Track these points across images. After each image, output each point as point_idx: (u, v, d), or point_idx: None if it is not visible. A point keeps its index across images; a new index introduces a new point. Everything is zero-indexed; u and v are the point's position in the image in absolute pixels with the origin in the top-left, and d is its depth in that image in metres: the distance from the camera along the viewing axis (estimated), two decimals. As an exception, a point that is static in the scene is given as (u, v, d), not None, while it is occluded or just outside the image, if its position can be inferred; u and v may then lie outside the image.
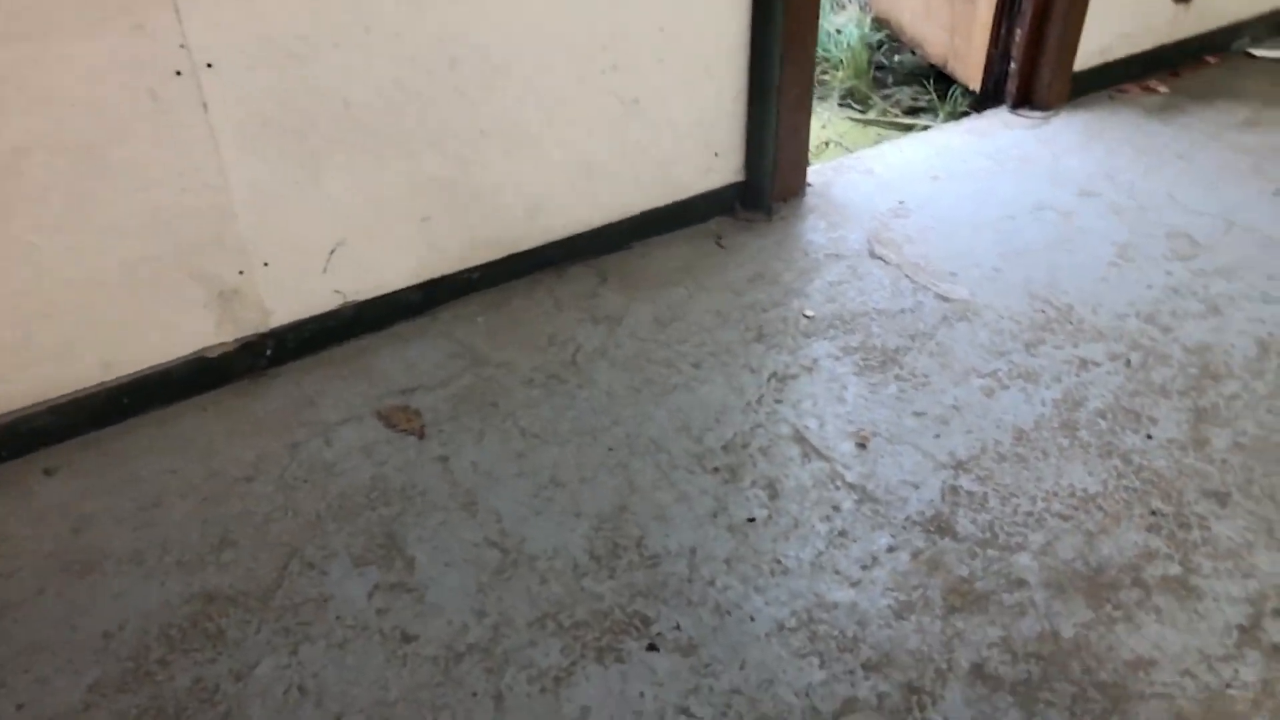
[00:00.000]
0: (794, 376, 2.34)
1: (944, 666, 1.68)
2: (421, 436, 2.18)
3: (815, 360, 2.39)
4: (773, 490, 2.03)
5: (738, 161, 2.91)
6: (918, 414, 2.23)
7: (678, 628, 1.76)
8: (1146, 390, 2.28)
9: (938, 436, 2.16)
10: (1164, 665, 1.67)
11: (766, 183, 2.94)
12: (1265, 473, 2.04)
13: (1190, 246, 2.81)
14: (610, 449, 2.14)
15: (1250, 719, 1.59)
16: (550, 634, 1.75)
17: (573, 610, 1.79)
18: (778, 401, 2.27)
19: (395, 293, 2.49)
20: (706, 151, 2.83)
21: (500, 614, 1.79)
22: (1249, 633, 1.72)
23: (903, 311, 2.56)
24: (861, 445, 2.15)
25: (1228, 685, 1.64)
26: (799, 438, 2.16)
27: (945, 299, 2.61)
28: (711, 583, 1.84)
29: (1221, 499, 1.99)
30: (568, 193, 2.63)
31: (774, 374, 2.35)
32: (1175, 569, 1.84)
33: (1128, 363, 2.36)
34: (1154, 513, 1.96)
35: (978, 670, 1.68)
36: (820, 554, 1.89)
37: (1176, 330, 2.47)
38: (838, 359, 2.40)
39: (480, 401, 2.27)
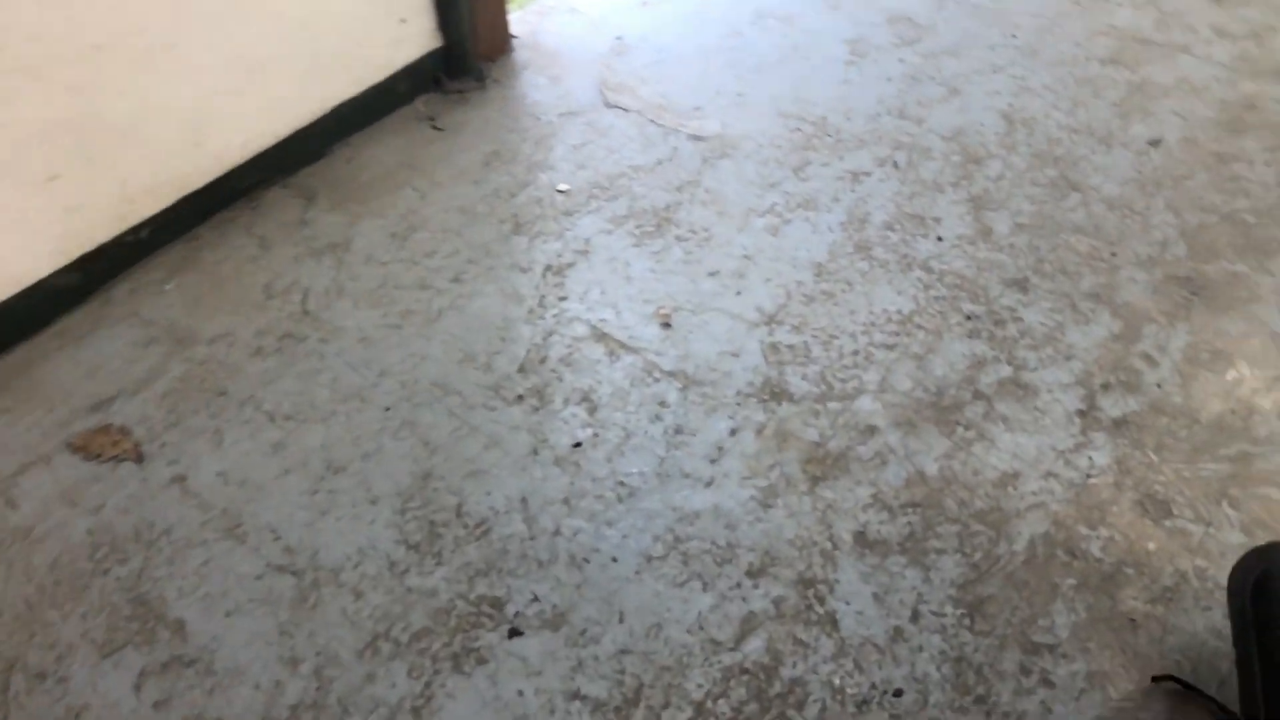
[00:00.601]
0: (570, 265, 2.04)
1: (828, 547, 1.54)
2: (139, 459, 1.70)
3: (587, 241, 2.10)
4: (590, 403, 1.76)
5: (430, 23, 2.45)
6: (711, 274, 2.02)
7: (536, 599, 1.49)
8: (921, 189, 2.20)
9: (739, 294, 1.97)
10: (1027, 474, 1.63)
11: (468, 42, 2.52)
12: (1049, 247, 2.04)
13: (913, 29, 2.74)
14: (387, 409, 1.77)
15: (1118, 501, 1.58)
16: (388, 658, 1.43)
17: (406, 620, 1.47)
18: (562, 299, 1.97)
19: (41, 282, 1.89)
20: (390, 19, 2.35)
21: (318, 654, 1.43)
22: (1088, 415, 1.71)
23: (660, 163, 2.31)
24: (666, 324, 1.91)
25: (1088, 475, 1.62)
26: (599, 334, 1.89)
27: (699, 138, 2.38)
28: (557, 532, 1.57)
29: (1021, 285, 1.96)
30: (235, 103, 2.08)
31: (548, 267, 2.04)
32: (1005, 370, 1.80)
33: (895, 165, 2.27)
34: (969, 317, 1.90)
35: (861, 539, 1.55)
36: (663, 461, 1.67)
37: (928, 120, 2.40)
38: (610, 233, 2.12)
39: (202, 393, 1.79)
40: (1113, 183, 2.18)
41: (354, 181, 2.26)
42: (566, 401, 1.77)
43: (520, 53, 2.69)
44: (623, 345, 1.87)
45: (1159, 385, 1.75)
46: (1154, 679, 1.36)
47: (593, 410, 1.75)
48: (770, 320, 1.91)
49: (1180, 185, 2.16)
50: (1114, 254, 2.01)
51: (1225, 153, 2.24)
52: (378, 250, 2.08)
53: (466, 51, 2.53)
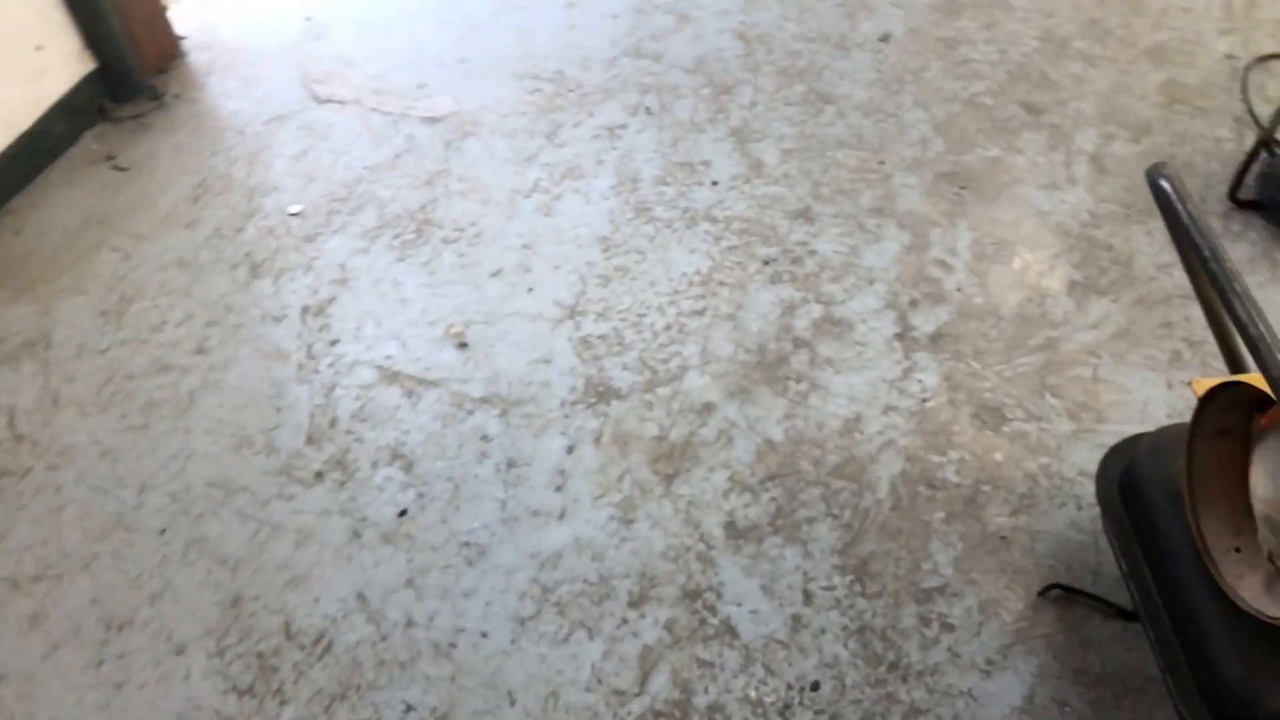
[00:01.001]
0: (331, 300, 1.78)
1: (702, 548, 1.45)
2: None
3: (342, 266, 1.84)
4: (403, 460, 1.55)
5: (74, 44, 2.02)
6: (494, 274, 1.83)
7: (410, 709, 1.30)
8: (681, 132, 2.09)
9: (530, 290, 1.80)
10: (868, 415, 1.60)
11: (128, 56, 2.11)
12: (821, 169, 2.00)
13: (623, -43, 2.59)
14: (162, 531, 1.47)
15: (957, 420, 1.59)
16: (256, 838, 1.20)
17: (264, 784, 1.24)
18: (333, 343, 1.71)
19: None
20: (22, 48, 1.91)
21: None
22: (906, 338, 1.71)
23: (398, 157, 2.05)
24: (462, 344, 1.71)
25: (923, 400, 1.62)
26: (389, 374, 1.67)
27: (433, 119, 2.13)
28: (409, 623, 1.38)
29: (806, 215, 1.92)
30: None
31: (305, 309, 1.77)
32: (817, 309, 1.76)
33: (648, 111, 2.14)
34: (766, 261, 1.84)
35: (732, 530, 1.47)
36: (504, 504, 1.50)
37: (667, 54, 2.28)
38: (365, 251, 1.87)
39: (-90, 577, 1.42)
40: (860, 88, 2.17)
41: (31, 256, 1.85)
42: (375, 465, 1.55)
43: (196, 55, 2.30)
44: (420, 381, 1.66)
45: (959, 290, 1.77)
46: (1040, 593, 1.38)
47: (408, 467, 1.54)
48: (572, 313, 1.76)
49: (920, 78, 2.18)
50: (882, 162, 2.00)
51: (949, 37, 2.29)
52: (89, 337, 1.72)
53: (130, 67, 2.12)
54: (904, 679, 1.33)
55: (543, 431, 1.59)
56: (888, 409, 1.61)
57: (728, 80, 2.20)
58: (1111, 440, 1.52)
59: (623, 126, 2.11)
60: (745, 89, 2.18)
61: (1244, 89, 2.07)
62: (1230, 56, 2.17)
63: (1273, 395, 0.88)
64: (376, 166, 2.03)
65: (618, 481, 1.53)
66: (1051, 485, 1.51)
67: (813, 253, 1.85)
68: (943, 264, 1.81)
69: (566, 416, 1.61)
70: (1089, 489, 1.49)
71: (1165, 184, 0.92)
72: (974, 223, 1.88)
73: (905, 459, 1.55)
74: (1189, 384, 1.57)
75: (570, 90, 2.20)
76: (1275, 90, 2.09)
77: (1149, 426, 1.55)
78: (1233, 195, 1.87)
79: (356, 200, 1.96)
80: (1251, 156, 1.82)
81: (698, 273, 1.82)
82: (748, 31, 2.33)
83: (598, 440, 1.58)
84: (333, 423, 1.60)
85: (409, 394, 1.64)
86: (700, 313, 1.75)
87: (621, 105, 2.16)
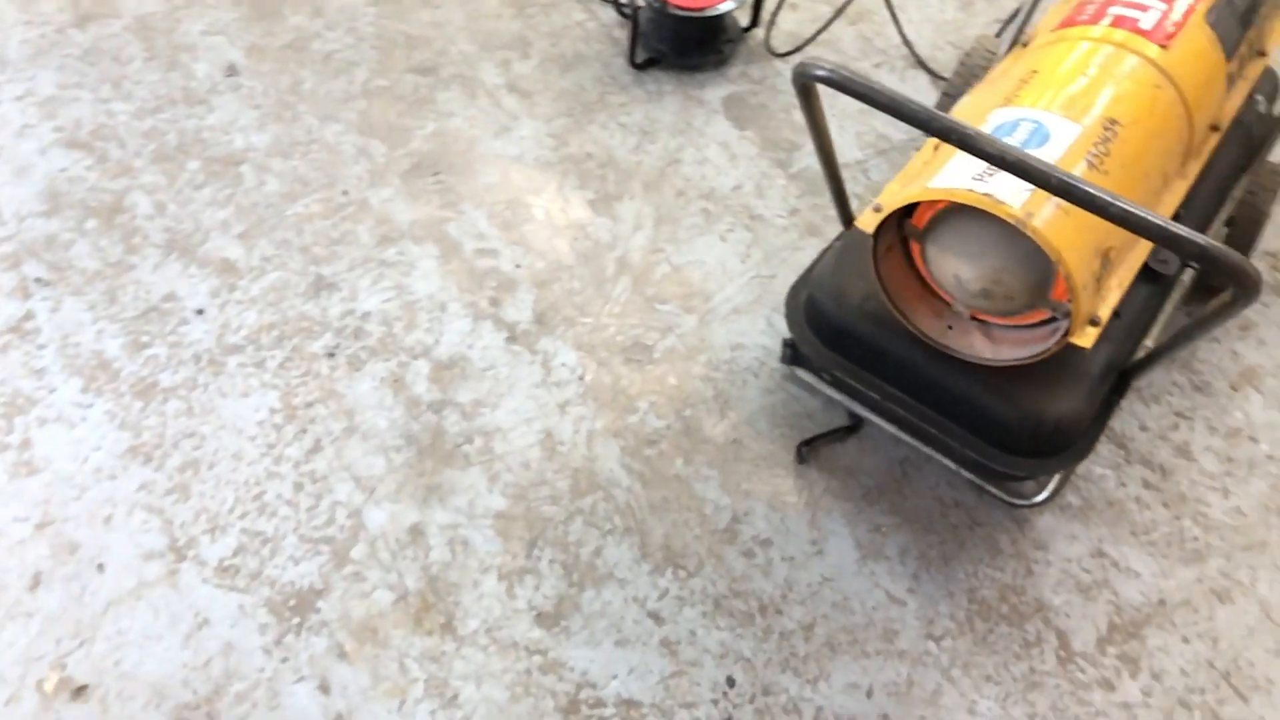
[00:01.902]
0: None
1: (538, 659, 1.28)
2: None
3: None
4: None
5: None
6: (35, 587, 1.31)
7: None
8: (107, 282, 1.64)
9: (102, 569, 1.33)
10: (552, 425, 1.51)
11: None
12: (294, 231, 1.74)
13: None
14: None
15: (618, 374, 1.58)
16: None
17: None
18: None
19: None
20: None
21: None
22: (517, 337, 1.62)
23: None
24: (80, 689, 1.22)
25: (579, 377, 1.57)
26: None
27: None
28: None
29: (324, 284, 1.67)
30: None
31: None
32: (422, 366, 1.57)
33: (42, 281, 1.64)
34: (330, 353, 1.57)
35: (545, 619, 1.31)
36: (312, 805, 1.15)
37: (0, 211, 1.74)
38: None
39: None
40: (254, 132, 1.89)
41: None
42: None
43: None
44: (72, 775, 1.16)
45: (518, 265, 1.71)
46: (799, 461, 1.48)
47: None
48: (180, 554, 1.34)
49: (302, 92, 1.96)
50: (345, 192, 1.80)
51: (292, 41, 2.08)
52: None
53: None
54: (779, 611, 1.34)
55: (275, 706, 1.23)
56: (561, 406, 1.53)
57: (110, 201, 1.76)
58: (728, 310, 1.65)
59: (27, 318, 1.59)
60: (136, 196, 1.77)
61: (565, -27, 2.23)
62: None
63: (967, 201, 1.01)
64: None
65: (401, 674, 1.26)
66: (722, 374, 1.58)
67: (364, 315, 1.63)
68: (484, 251, 1.73)
69: (284, 661, 1.26)
70: (748, 355, 1.60)
71: (823, 72, 0.96)
72: (475, 200, 1.80)
73: (613, 436, 1.50)
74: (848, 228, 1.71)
75: (-86, 315, 1.58)
76: (582, -36, 2.28)
77: (736, 280, 1.69)
78: (632, 62, 2.04)
79: None
80: (635, 22, 1.98)
81: (273, 411, 1.50)
82: (77, 136, 1.86)
83: (343, 655, 1.27)
84: None
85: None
86: (316, 449, 1.46)
87: (3, 295, 1.62)
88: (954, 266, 1.15)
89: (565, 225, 1.77)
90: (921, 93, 2.02)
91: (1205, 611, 1.37)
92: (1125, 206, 0.88)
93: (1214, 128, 1.31)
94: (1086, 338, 1.08)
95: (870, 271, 1.21)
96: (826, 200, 1.81)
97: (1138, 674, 1.31)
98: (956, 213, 1.11)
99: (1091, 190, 0.90)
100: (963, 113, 1.25)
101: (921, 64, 2.07)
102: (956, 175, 1.09)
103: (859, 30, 2.14)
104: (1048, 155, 1.09)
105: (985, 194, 1.04)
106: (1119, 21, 1.24)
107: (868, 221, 1.17)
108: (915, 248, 1.21)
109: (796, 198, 1.83)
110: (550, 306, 1.65)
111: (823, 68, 0.97)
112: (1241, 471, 1.50)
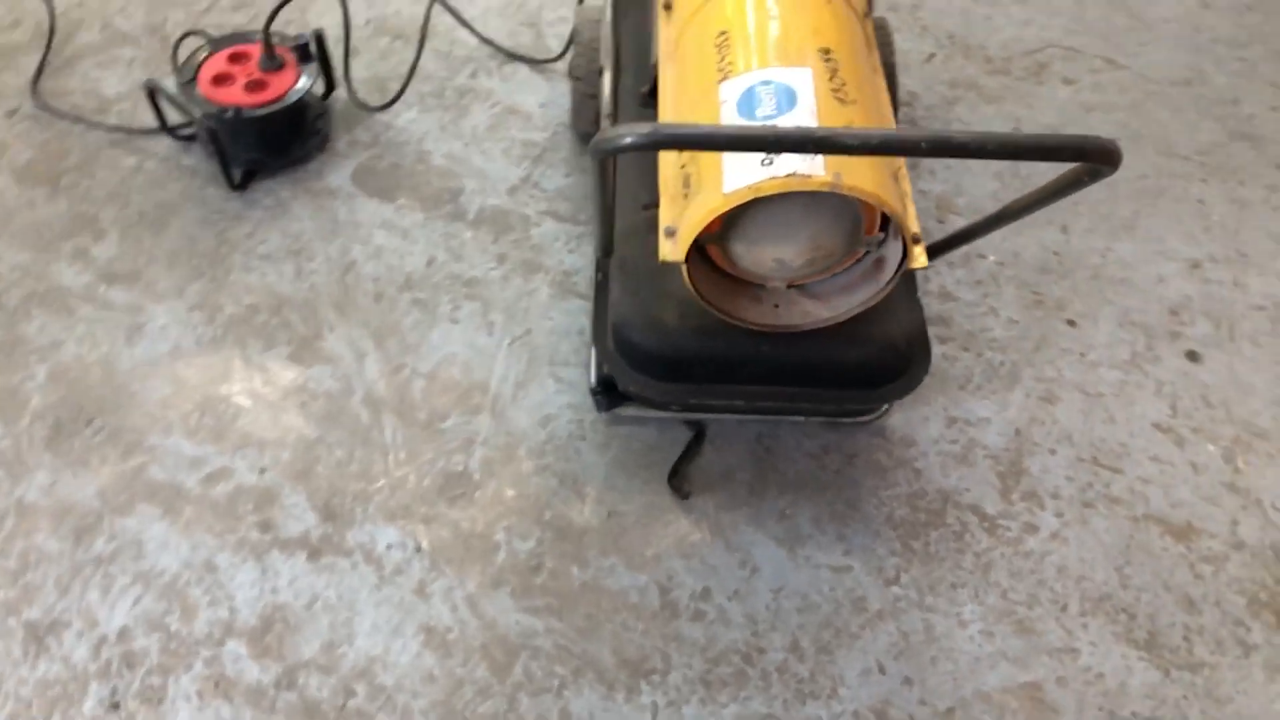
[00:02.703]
0: None
1: None
2: None
3: None
4: None
5: None
6: None
7: None
8: None
9: None
10: (363, 636, 1.28)
11: None
12: None
13: None
14: None
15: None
16: None
17: None
18: None
19: None
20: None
21: None
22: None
23: None
24: None
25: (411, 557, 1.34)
26: None
27: None
28: None
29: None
30: None
31: None
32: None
33: None
34: (113, 704, 1.19)
35: None
36: None
37: None
38: None
39: None
40: None
41: None
42: None
43: None
44: None
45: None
46: (681, 497, 1.38)
47: None
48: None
49: None
50: None
51: None
52: None
53: None
54: (760, 650, 1.27)
55: None
56: (419, 592, 1.30)
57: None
58: (511, 389, 1.50)
59: None
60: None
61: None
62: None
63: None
64: None
65: None
66: (552, 456, 1.43)
67: (121, 635, 1.25)
68: (211, 477, 1.39)
69: None
70: (563, 422, 1.46)
71: (637, 139, 0.83)
72: (158, 426, 1.44)
73: (493, 588, 1.31)
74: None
75: None
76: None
77: (497, 355, 1.53)
78: (231, 184, 1.72)
79: None
80: (217, 140, 1.66)
81: None
82: None
83: None
84: None
85: None
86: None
87: None
88: (771, 253, 1.10)
89: (281, 397, 1.48)
90: (530, 84, 1.93)
91: (1046, 418, 1.50)
92: (955, 139, 0.87)
93: (867, 14, 1.37)
94: (921, 258, 1.09)
95: (691, 293, 1.13)
96: (526, 233, 1.69)
97: (1043, 502, 1.42)
98: (753, 203, 1.05)
99: (905, 136, 0.89)
100: (685, 102, 1.18)
101: (515, 56, 1.97)
102: (745, 170, 1.02)
103: (433, 48, 1.98)
104: (805, 110, 1.06)
105: (790, 175, 0.99)
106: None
107: (672, 251, 1.07)
108: (714, 251, 1.14)
109: (493, 243, 1.68)
110: (331, 494, 1.38)
111: (635, 134, 0.84)
112: (992, 288, 1.66)
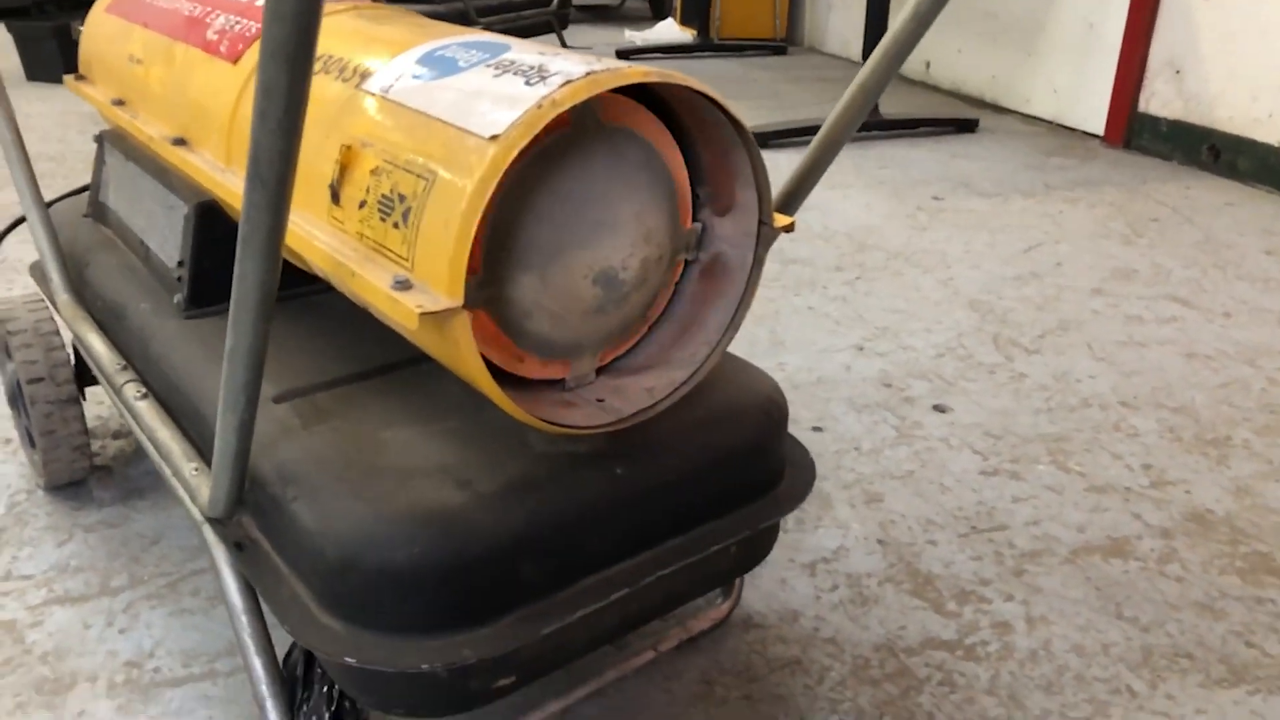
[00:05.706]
0: None
1: None
2: None
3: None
4: None
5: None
6: None
7: None
8: None
9: None
10: None
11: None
12: None
13: None
14: None
15: None
16: None
17: None
18: None
19: None
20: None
21: None
22: None
23: None
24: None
25: None
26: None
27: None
28: None
29: None
30: None
31: None
32: None
33: None
34: None
35: None
36: None
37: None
38: None
39: None
40: None
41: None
42: None
43: None
44: None
45: None
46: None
47: None
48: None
49: None
50: None
51: None
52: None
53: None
54: None
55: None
56: None
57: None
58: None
59: None
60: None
61: None
62: None
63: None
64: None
65: None
66: None
67: None
68: None
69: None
70: None
71: None
72: None
73: None
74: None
75: None
76: None
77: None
78: None
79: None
80: None
81: None
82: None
83: None
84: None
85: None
86: None
87: None
88: (589, 259, 0.63)
89: None
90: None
91: (891, 516, 1.15)
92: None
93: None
94: (784, 218, 0.70)
95: (488, 387, 0.59)
96: (23, 647, 0.94)
97: (980, 594, 1.02)
98: (534, 190, 0.59)
99: None
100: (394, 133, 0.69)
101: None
102: (510, 103, 0.56)
103: None
104: (480, 65, 0.65)
105: (602, 71, 0.56)
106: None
107: (430, 300, 0.54)
108: (488, 322, 0.62)
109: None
110: None
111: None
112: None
